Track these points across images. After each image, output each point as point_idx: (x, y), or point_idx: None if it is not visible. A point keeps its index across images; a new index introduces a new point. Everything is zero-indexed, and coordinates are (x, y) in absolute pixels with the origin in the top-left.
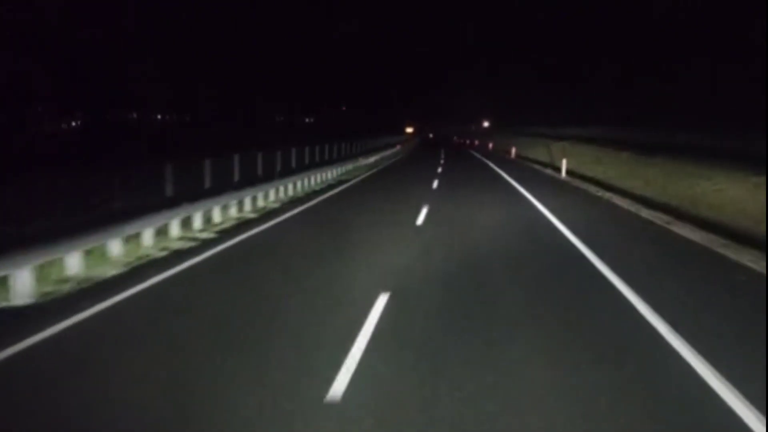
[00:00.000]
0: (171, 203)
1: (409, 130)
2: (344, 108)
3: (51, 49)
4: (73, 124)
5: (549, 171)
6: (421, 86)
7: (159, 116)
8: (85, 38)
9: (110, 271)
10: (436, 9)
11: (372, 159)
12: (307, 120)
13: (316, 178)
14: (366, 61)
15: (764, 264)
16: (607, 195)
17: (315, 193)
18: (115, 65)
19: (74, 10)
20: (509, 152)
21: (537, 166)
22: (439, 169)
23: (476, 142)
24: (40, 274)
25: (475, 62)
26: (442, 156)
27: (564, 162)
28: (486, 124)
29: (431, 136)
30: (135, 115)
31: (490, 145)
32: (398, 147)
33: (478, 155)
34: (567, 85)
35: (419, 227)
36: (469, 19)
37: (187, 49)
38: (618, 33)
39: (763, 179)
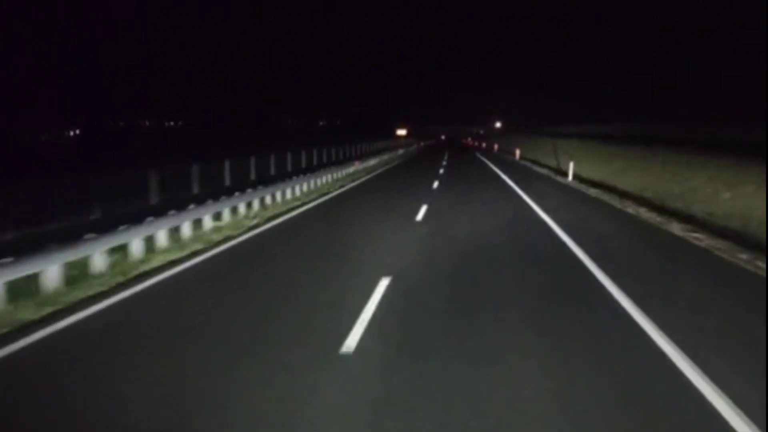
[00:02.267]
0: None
1: (401, 132)
2: (341, 111)
3: (53, 50)
4: (77, 131)
5: None
6: (425, 85)
7: (172, 123)
8: (90, 39)
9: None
10: (438, 9)
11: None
12: (321, 123)
13: None
14: (369, 61)
15: None
16: None
17: None
18: (119, 71)
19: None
20: (560, 169)
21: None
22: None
23: (495, 147)
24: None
25: (482, 61)
26: (441, 168)
27: None
28: (498, 124)
29: (443, 137)
30: (147, 123)
31: (517, 153)
32: (356, 165)
33: (514, 185)
34: (577, 84)
35: None
36: (474, 18)
37: (190, 55)
38: (622, 33)
39: None
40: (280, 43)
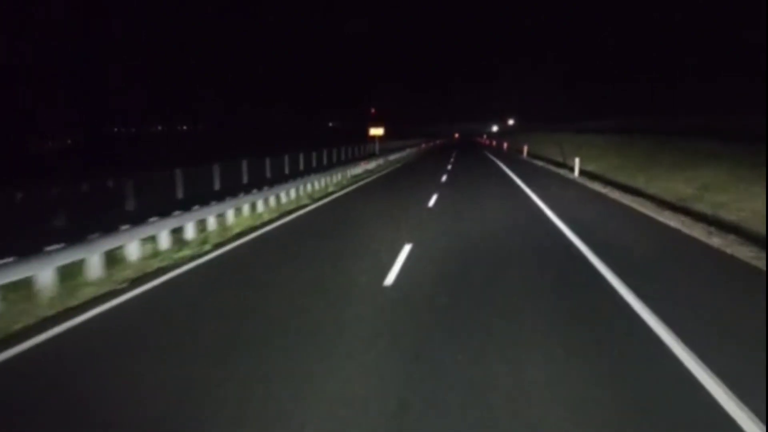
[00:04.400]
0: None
1: (377, 131)
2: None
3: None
4: (80, 139)
5: None
6: (434, 85)
7: (185, 127)
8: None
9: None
10: (440, 9)
11: None
12: (330, 124)
13: None
14: (371, 62)
15: None
16: None
17: None
18: (118, 72)
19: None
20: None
21: None
22: None
23: (525, 149)
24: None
25: (490, 59)
26: None
27: None
28: (511, 122)
29: (457, 136)
30: (159, 128)
31: (576, 165)
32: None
33: None
34: (591, 80)
35: None
36: (477, 17)
37: (190, 55)
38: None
39: None
40: (280, 43)
